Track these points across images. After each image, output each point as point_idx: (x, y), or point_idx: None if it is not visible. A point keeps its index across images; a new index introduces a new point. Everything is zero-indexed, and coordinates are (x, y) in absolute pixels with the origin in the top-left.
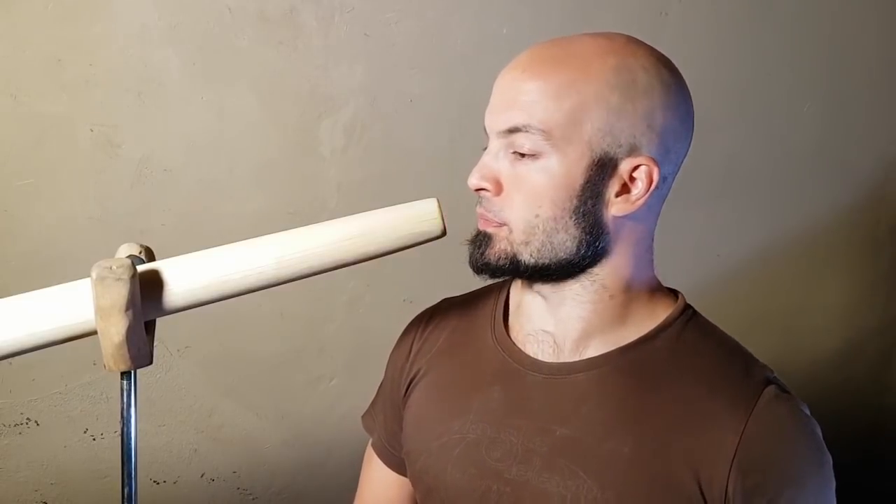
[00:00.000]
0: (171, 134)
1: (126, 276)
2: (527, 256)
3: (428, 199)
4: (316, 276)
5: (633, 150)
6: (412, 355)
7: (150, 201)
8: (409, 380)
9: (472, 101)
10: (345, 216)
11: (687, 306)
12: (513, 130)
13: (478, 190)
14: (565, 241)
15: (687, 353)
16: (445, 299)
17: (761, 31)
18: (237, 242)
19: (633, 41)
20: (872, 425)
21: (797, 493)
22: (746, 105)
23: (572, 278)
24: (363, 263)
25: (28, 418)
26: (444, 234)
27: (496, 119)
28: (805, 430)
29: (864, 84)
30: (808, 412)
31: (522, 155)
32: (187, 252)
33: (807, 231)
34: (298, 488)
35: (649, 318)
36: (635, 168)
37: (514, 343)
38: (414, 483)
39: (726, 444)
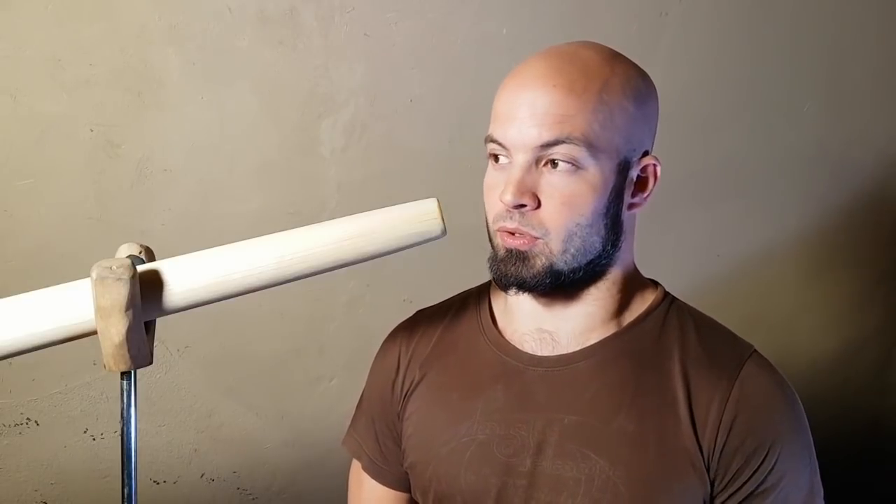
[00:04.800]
0: (171, 134)
1: (126, 276)
2: (563, 265)
3: (428, 199)
4: (316, 276)
5: (642, 152)
6: (402, 368)
7: (150, 201)
8: (404, 393)
9: (472, 101)
10: (345, 216)
11: (667, 292)
12: (553, 143)
13: (515, 207)
14: (595, 244)
15: (673, 334)
16: (419, 311)
17: (761, 31)
18: (237, 242)
19: (612, 49)
20: (872, 425)
21: (776, 450)
22: (746, 105)
23: (591, 277)
24: (363, 263)
25: (28, 418)
26: (444, 233)
27: (528, 133)
28: (784, 394)
29: (864, 84)
30: (785, 379)
31: (556, 166)
32: (187, 252)
33: (807, 231)
34: (298, 488)
35: (639, 304)
36: (644, 167)
37: (509, 343)
38: (422, 493)
39: (714, 409)
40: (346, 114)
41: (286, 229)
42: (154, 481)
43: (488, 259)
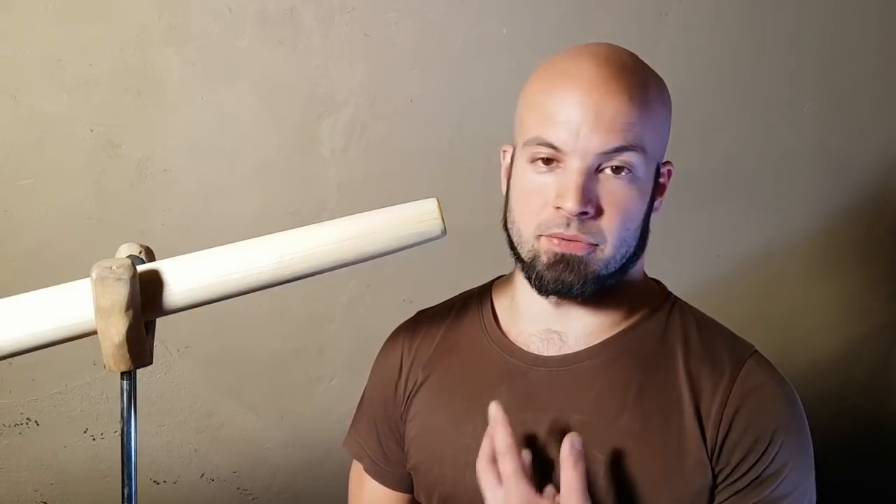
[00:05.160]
0: (171, 134)
1: (126, 276)
2: (607, 271)
3: (428, 199)
4: (316, 276)
5: (664, 156)
6: (405, 370)
7: (150, 201)
8: (407, 394)
9: (472, 101)
10: (345, 216)
11: (669, 291)
12: (618, 150)
13: (578, 214)
14: (632, 248)
15: (676, 333)
16: (420, 311)
17: (761, 31)
18: (237, 242)
19: (635, 54)
20: (872, 425)
21: (776, 443)
22: (746, 105)
23: (620, 280)
24: (363, 263)
25: (28, 418)
26: (444, 233)
27: (592, 139)
28: (784, 392)
29: (864, 84)
30: (785, 377)
31: (618, 173)
32: (187, 252)
33: (807, 231)
34: (298, 488)
35: (644, 303)
36: (663, 171)
37: (513, 343)
38: (426, 494)
39: (716, 404)
40: (346, 114)
41: (286, 229)
42: (154, 481)
43: (524, 267)
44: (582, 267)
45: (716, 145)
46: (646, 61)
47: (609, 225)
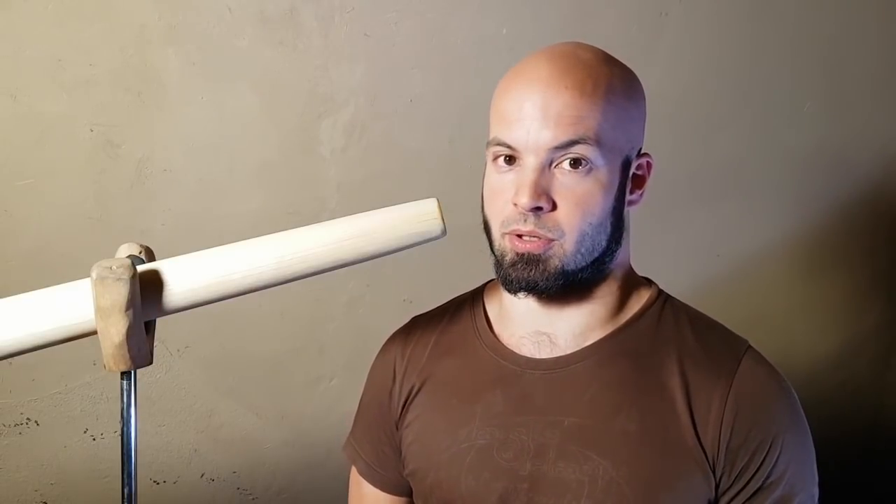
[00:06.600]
0: (171, 134)
1: (126, 276)
2: (573, 265)
3: (428, 199)
4: (316, 276)
5: (638, 149)
6: (399, 376)
7: (150, 201)
8: (402, 400)
9: (472, 101)
10: (345, 216)
11: (661, 289)
12: (568, 144)
13: (532, 209)
14: (602, 242)
15: (669, 331)
16: (414, 318)
17: (761, 31)
18: (237, 242)
19: (602, 50)
20: (872, 425)
21: (778, 443)
22: (746, 105)
23: (593, 276)
24: (363, 263)
25: (28, 418)
26: (444, 233)
27: (541, 135)
28: (780, 387)
29: (864, 83)
30: (780, 372)
31: (571, 166)
32: (187, 252)
33: (807, 231)
34: (298, 488)
35: (635, 302)
36: (640, 164)
37: (505, 347)
38: (424, 499)
39: (714, 407)
40: (346, 114)
41: (286, 229)
42: (154, 481)
43: (494, 264)
44: (542, 264)
45: (716, 145)
46: (646, 61)
47: (566, 219)
